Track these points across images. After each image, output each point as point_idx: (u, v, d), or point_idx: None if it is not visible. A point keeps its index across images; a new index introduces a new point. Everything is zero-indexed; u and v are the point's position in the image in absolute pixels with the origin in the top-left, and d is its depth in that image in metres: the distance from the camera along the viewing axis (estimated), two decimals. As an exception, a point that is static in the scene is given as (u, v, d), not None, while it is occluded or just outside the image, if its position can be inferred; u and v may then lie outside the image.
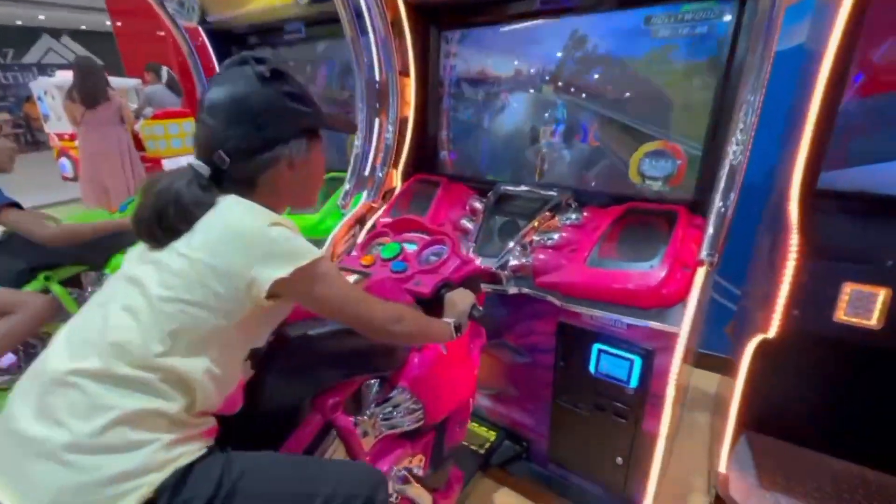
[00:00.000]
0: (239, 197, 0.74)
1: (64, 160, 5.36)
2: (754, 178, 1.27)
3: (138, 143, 4.43)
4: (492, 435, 1.57)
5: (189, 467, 0.64)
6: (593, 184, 1.50)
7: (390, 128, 1.72)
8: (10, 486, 0.59)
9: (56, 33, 13.96)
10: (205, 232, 0.70)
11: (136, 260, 0.74)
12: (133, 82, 5.99)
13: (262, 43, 2.26)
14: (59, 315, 1.51)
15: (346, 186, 1.72)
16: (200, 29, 2.13)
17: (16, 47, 13.56)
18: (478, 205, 1.58)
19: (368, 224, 1.73)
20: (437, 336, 0.91)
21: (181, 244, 0.70)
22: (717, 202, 1.06)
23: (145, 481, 0.60)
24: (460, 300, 0.98)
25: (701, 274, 1.12)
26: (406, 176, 1.82)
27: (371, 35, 1.62)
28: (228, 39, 2.23)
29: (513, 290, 1.31)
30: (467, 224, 1.53)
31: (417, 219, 1.20)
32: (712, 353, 2.03)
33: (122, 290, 0.71)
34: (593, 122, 1.46)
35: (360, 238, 1.71)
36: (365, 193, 1.76)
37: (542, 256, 1.29)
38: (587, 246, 1.26)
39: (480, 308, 0.98)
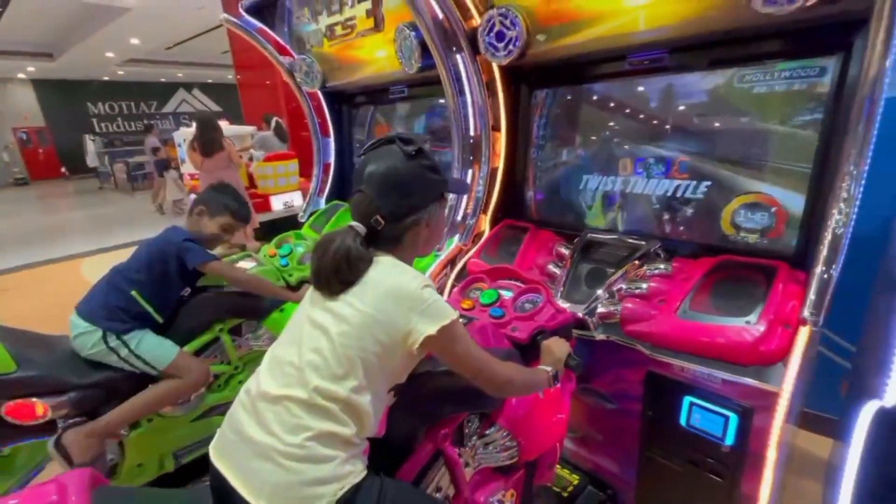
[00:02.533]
0: (394, 259, 0.90)
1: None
2: (867, 229, 1.22)
3: (252, 182, 5.13)
4: (575, 479, 1.59)
5: (357, 486, 0.79)
6: (683, 234, 1.52)
7: (482, 178, 1.88)
8: (241, 476, 0.79)
9: (189, 87, 16.51)
10: (373, 289, 0.85)
11: (315, 307, 0.90)
12: (250, 129, 6.92)
13: (368, 101, 2.58)
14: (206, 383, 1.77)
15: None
16: (319, 92, 2.49)
17: (158, 99, 16.22)
18: (564, 251, 1.66)
19: (459, 265, 1.88)
20: (538, 386, 1.00)
21: (353, 298, 0.85)
22: (820, 268, 1.05)
23: (331, 489, 0.76)
24: (557, 349, 1.06)
25: (804, 333, 1.09)
26: (495, 221, 1.95)
27: (468, 96, 1.81)
28: (341, 99, 2.58)
29: (600, 336, 1.36)
30: (554, 269, 1.61)
31: (512, 268, 1.31)
32: (824, 415, 1.86)
33: (309, 333, 0.87)
34: (684, 172, 1.49)
35: (451, 279, 1.86)
36: (457, 237, 1.92)
37: (630, 305, 1.33)
38: (678, 297, 1.28)
39: (576, 357, 1.05)
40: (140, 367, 1.55)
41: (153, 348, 1.58)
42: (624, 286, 1.40)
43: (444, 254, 1.88)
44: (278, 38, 2.41)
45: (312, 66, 2.28)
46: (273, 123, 5.76)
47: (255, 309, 1.91)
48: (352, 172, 2.68)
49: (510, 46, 1.57)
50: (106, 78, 14.90)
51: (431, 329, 0.81)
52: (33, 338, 1.52)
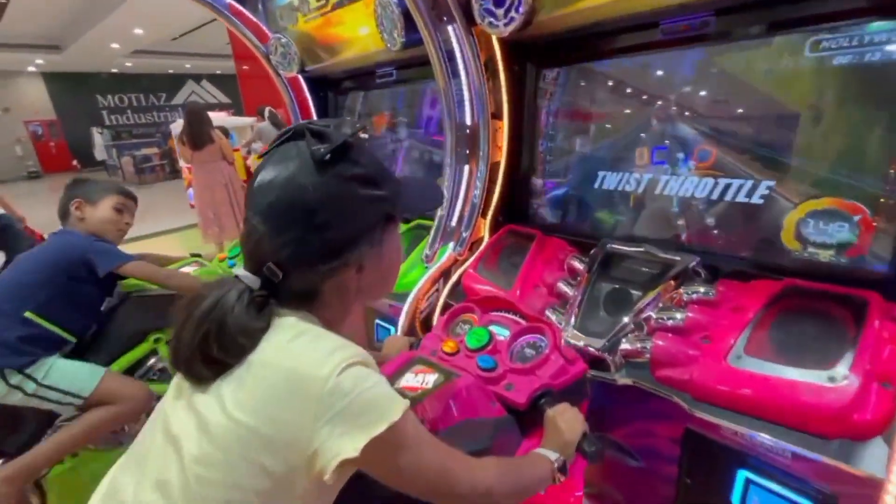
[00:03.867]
0: (301, 320, 0.60)
1: (191, 190, 6.11)
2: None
3: (251, 175, 4.91)
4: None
5: None
6: (729, 247, 1.21)
7: (480, 176, 1.58)
8: None
9: (198, 78, 16.38)
10: (256, 379, 0.55)
11: (178, 399, 0.61)
12: (250, 120, 6.69)
13: (355, 87, 2.29)
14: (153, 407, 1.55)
15: (430, 237, 1.61)
16: (300, 77, 2.20)
17: (167, 91, 16.14)
18: (579, 265, 1.36)
19: (453, 279, 1.59)
20: (537, 486, 0.70)
21: (227, 389, 0.56)
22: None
23: None
24: (567, 426, 0.76)
25: (915, 397, 0.79)
26: (496, 227, 1.66)
27: (463, 77, 1.51)
28: (325, 84, 2.29)
29: (624, 380, 1.07)
30: (565, 289, 1.31)
31: (510, 299, 1.02)
32: None
33: (159, 451, 0.58)
34: (730, 169, 1.18)
35: (444, 296, 1.58)
36: (451, 245, 1.63)
37: (663, 343, 1.03)
38: (728, 334, 0.98)
39: (594, 441, 0.77)
40: (60, 401, 1.31)
41: (69, 375, 1.33)
42: (655, 315, 1.10)
43: (436, 265, 1.60)
44: (252, 17, 2.13)
45: (289, 46, 2.00)
46: (266, 114, 5.52)
47: None
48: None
49: (511, 13, 1.26)
50: (114, 70, 14.82)
51: (355, 443, 0.51)
52: None
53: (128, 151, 11.68)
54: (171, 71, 15.58)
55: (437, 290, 1.61)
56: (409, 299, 1.53)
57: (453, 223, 1.63)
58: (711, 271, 1.18)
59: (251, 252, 0.61)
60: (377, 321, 1.68)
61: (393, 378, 0.81)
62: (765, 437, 0.87)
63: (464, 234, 1.61)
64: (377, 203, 0.63)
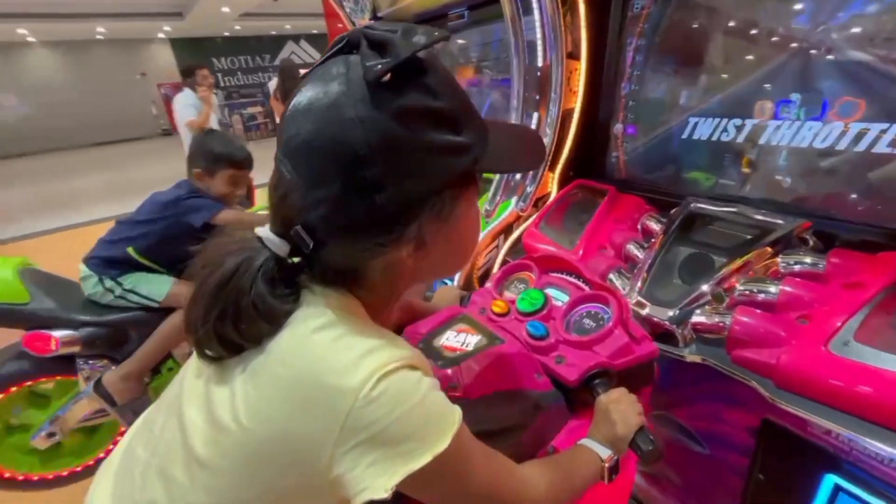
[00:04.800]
0: (329, 302, 0.47)
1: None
2: None
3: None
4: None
5: None
6: (850, 210, 0.97)
7: (549, 123, 1.44)
8: None
9: (296, 38, 17.17)
10: (268, 381, 0.44)
11: (199, 377, 0.51)
12: None
13: (428, 33, 2.19)
14: None
15: (492, 190, 1.53)
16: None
17: (271, 52, 17.18)
18: (654, 225, 1.20)
19: (513, 236, 1.51)
20: (584, 486, 0.61)
21: (240, 383, 0.46)
22: None
23: None
24: (621, 418, 0.65)
25: None
26: (564, 181, 1.52)
27: (536, 13, 1.35)
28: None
29: (692, 357, 0.94)
30: (635, 251, 1.17)
31: (573, 261, 0.92)
32: None
33: (169, 436, 0.50)
34: (854, 114, 0.93)
35: (502, 253, 1.51)
36: (514, 200, 1.54)
37: (747, 319, 0.88)
38: (835, 316, 0.80)
39: (651, 439, 0.66)
40: (138, 303, 1.57)
41: (147, 282, 1.58)
42: (740, 286, 0.94)
43: (496, 221, 1.53)
44: (329, -38, 2.10)
45: (362, -8, 1.95)
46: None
47: None
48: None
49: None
50: (227, 34, 16.06)
51: (390, 478, 0.41)
52: (52, 279, 1.64)
53: (237, 110, 12.78)
54: (273, 32, 16.49)
55: (496, 246, 1.55)
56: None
57: (517, 176, 1.52)
58: (824, 239, 0.97)
59: (278, 207, 0.47)
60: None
61: (433, 334, 0.78)
62: (875, 444, 0.71)
63: (528, 189, 1.50)
64: (454, 155, 0.44)
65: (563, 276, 0.91)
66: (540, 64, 1.41)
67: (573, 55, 1.39)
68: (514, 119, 1.47)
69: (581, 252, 1.23)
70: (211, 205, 1.60)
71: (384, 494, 0.40)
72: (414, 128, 0.42)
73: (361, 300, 0.51)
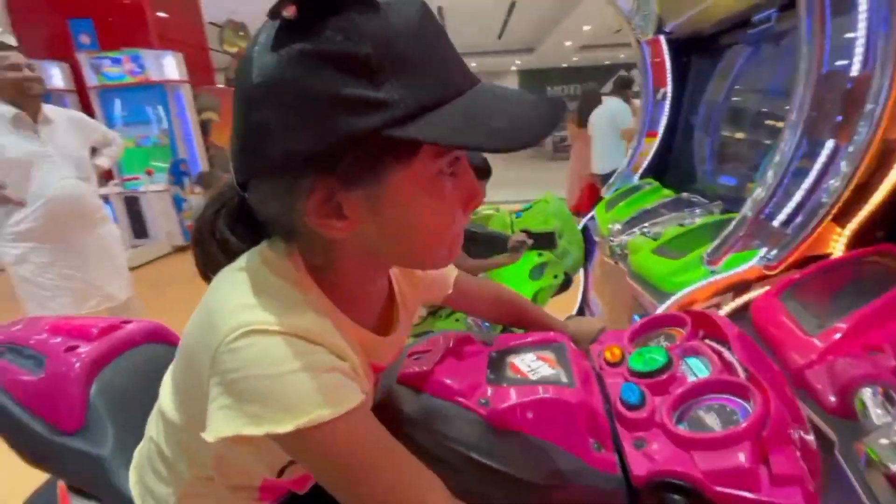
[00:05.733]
0: (258, 254, 0.48)
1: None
2: None
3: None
4: None
5: None
6: None
7: (848, 156, 0.99)
8: None
9: (628, 67, 17.22)
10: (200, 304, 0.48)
11: None
12: (637, 102, 6.51)
13: (727, 44, 1.84)
14: None
15: (729, 232, 1.17)
16: (662, 40, 1.98)
17: (601, 81, 17.87)
18: None
19: (745, 297, 1.13)
20: None
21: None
22: None
23: None
24: None
25: None
26: (861, 241, 1.02)
27: (862, 6, 0.95)
28: (688, 46, 1.96)
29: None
30: (941, 373, 0.68)
31: (739, 334, 0.63)
32: None
33: (167, 375, 0.59)
34: None
35: (723, 314, 1.15)
36: (763, 251, 1.14)
37: None
38: None
39: None
40: None
41: None
42: None
43: (728, 272, 1.17)
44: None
45: (649, 7, 1.82)
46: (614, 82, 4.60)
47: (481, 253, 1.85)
48: (684, 144, 2.06)
49: None
50: (564, 65, 17.71)
51: (228, 429, 0.40)
52: None
53: (552, 133, 13.98)
54: (607, 62, 17.08)
55: (717, 305, 1.19)
56: (669, 303, 1.21)
57: (776, 222, 1.12)
58: None
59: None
60: (634, 316, 1.43)
61: (512, 350, 0.70)
62: None
63: (789, 240, 1.08)
64: (357, 112, 0.37)
65: (719, 348, 0.64)
66: (854, 73, 0.99)
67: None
68: (784, 141, 1.09)
69: (828, 343, 0.81)
70: None
71: (211, 439, 0.41)
72: (308, 73, 0.37)
73: (316, 269, 0.48)
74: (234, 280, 0.46)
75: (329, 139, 0.38)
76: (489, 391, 0.60)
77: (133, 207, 5.28)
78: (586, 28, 11.63)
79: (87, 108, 5.02)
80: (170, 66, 5.28)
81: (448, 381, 0.62)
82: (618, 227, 1.75)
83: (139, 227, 5.32)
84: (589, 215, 2.21)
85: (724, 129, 1.85)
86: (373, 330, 0.55)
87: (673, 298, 1.21)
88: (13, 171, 1.77)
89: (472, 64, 17.49)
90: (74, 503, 0.72)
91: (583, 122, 4.38)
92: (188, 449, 0.55)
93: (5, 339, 0.82)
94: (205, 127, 5.88)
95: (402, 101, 0.38)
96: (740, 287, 1.16)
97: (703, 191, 1.81)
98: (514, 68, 18.71)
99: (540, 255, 1.90)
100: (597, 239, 2.01)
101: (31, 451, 0.72)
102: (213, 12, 6.93)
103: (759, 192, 1.14)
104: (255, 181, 0.45)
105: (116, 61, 5.07)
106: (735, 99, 1.80)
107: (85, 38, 5.25)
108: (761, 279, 1.14)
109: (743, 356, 0.58)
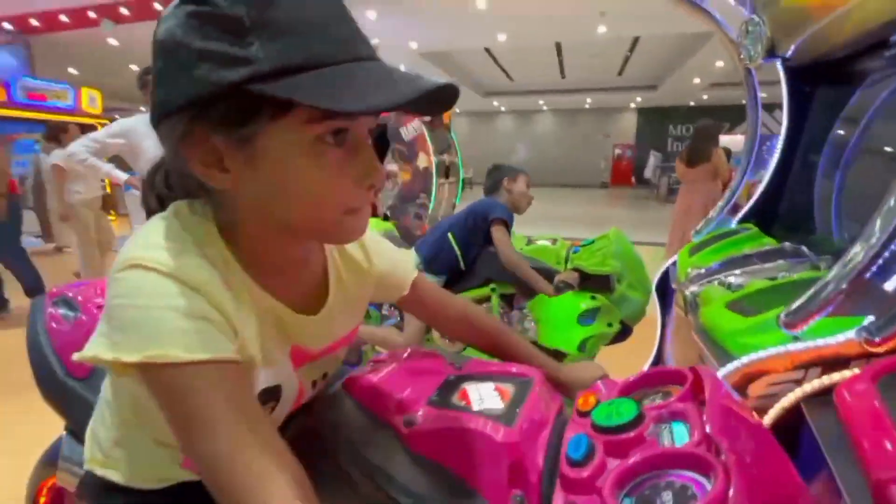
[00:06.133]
0: (176, 203, 0.52)
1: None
2: None
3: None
4: None
5: None
6: None
7: None
8: None
9: (770, 108, 15.39)
10: None
11: None
12: (741, 138, 5.71)
13: (863, 70, 1.52)
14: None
15: (817, 289, 0.93)
16: (778, 66, 1.72)
17: (730, 122, 16.28)
18: None
19: (836, 376, 0.87)
20: None
21: None
22: None
23: None
24: None
25: None
26: None
27: None
28: (809, 74, 1.66)
29: None
30: None
31: (722, 391, 0.48)
32: None
33: None
34: None
35: (797, 394, 0.91)
36: (867, 321, 0.88)
37: None
38: None
39: None
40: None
41: None
42: None
43: (813, 341, 0.93)
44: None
45: (759, 26, 1.59)
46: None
47: (526, 283, 1.78)
48: (797, 187, 1.73)
49: None
50: (692, 103, 16.45)
51: (93, 351, 0.44)
52: None
53: (667, 173, 12.95)
54: (742, 101, 15.47)
55: (798, 380, 0.94)
56: (731, 367, 0.99)
57: (888, 285, 0.86)
58: None
59: None
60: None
61: (476, 376, 0.63)
62: None
63: (903, 310, 0.82)
64: (219, 65, 0.41)
65: (729, 419, 0.48)
66: None
67: None
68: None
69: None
70: (506, 211, 1.94)
71: (75, 359, 0.45)
72: (191, 30, 0.42)
73: (226, 229, 0.51)
74: (148, 225, 0.50)
75: (199, 88, 0.43)
76: (421, 412, 0.54)
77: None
78: (719, 64, 10.71)
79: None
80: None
81: (380, 393, 0.57)
82: (696, 273, 1.51)
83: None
84: (671, 260, 1.96)
85: (854, 173, 1.52)
86: (298, 309, 0.55)
87: (737, 363, 0.99)
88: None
89: (589, 100, 17.33)
90: (69, 447, 0.80)
91: (693, 161, 3.97)
92: (114, 387, 0.60)
93: (66, 293, 0.96)
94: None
95: (266, 60, 0.41)
96: (830, 363, 0.91)
97: (815, 243, 1.49)
98: (633, 105, 17.94)
99: (594, 297, 1.71)
100: (673, 286, 1.77)
101: (47, 387, 0.84)
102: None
103: (864, 244, 0.89)
104: (158, 129, 0.49)
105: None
106: (872, 137, 1.47)
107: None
108: (862, 357, 0.88)
109: (716, 425, 0.44)
